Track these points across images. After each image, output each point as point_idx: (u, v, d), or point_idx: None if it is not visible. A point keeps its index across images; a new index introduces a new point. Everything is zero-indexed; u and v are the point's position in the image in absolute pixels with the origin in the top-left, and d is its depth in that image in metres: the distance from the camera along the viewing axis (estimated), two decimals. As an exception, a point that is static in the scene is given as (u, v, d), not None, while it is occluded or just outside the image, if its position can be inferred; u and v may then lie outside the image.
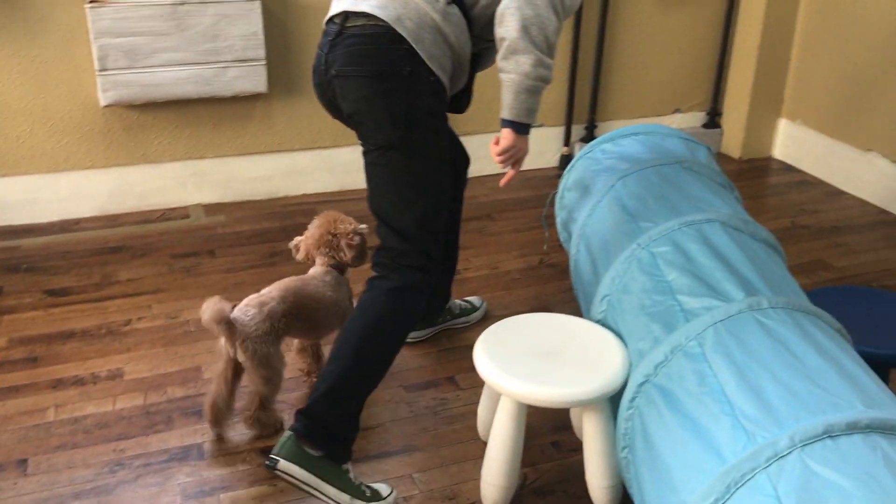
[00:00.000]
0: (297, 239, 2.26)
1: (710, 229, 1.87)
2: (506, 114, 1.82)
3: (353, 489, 1.79)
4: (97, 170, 3.17)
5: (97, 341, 2.45)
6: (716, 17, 3.77)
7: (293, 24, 3.19)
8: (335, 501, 1.78)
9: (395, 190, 1.82)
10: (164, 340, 2.46)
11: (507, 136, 1.86)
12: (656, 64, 3.77)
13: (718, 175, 2.27)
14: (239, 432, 2.08)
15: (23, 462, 1.98)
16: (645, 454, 1.54)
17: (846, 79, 3.49)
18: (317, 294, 2.09)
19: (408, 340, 2.43)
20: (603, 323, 1.91)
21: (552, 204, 3.18)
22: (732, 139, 3.91)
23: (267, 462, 1.74)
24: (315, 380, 2.12)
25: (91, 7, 2.84)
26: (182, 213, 3.26)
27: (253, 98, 3.23)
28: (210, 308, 1.92)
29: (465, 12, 1.82)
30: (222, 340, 2.00)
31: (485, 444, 1.99)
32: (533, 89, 1.77)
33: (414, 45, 1.73)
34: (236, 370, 2.03)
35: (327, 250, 2.17)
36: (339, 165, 3.42)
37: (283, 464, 1.73)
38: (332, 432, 1.78)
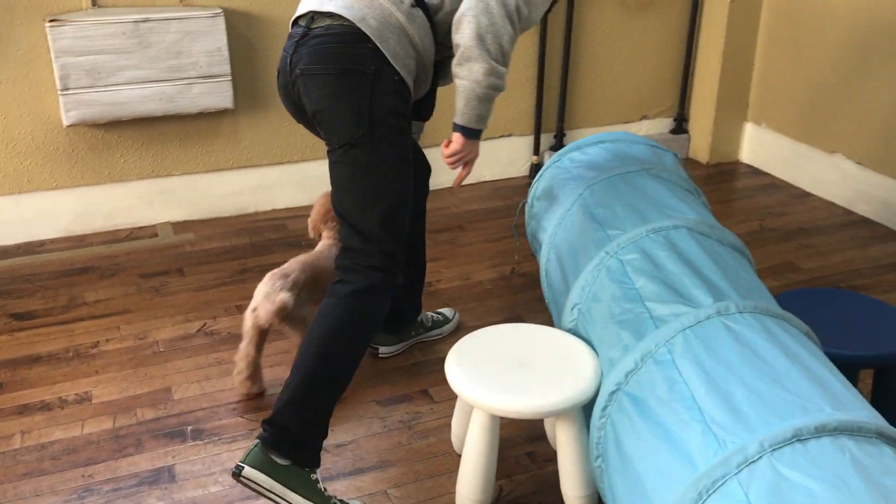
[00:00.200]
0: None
1: (678, 235, 1.88)
2: (457, 118, 1.87)
3: (320, 498, 1.78)
4: (62, 190, 3.13)
5: (64, 365, 2.41)
6: (680, 23, 3.80)
7: (257, 39, 3.18)
8: None
9: (357, 188, 1.82)
10: (133, 362, 2.42)
11: (457, 140, 1.90)
12: (622, 71, 3.80)
13: (685, 181, 2.28)
14: (211, 452, 2.06)
15: (-12, 491, 1.94)
16: (618, 463, 1.54)
17: (809, 82, 3.54)
18: (328, 265, 2.23)
19: (380, 355, 2.43)
20: (574, 332, 1.90)
21: (522, 213, 3.18)
22: (700, 144, 3.94)
23: (233, 469, 1.73)
24: None
25: (51, 26, 2.81)
26: (150, 231, 3.23)
27: (219, 114, 3.21)
28: (263, 308, 2.13)
29: (430, 17, 1.84)
30: (249, 312, 2.19)
31: (460, 457, 1.98)
32: (484, 97, 1.80)
33: (378, 44, 1.75)
34: (262, 337, 2.22)
35: (333, 224, 2.35)
36: (309, 179, 3.40)
37: (248, 471, 1.72)
38: (297, 440, 1.77)
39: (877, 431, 1.30)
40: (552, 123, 3.75)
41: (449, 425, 2.15)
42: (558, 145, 3.75)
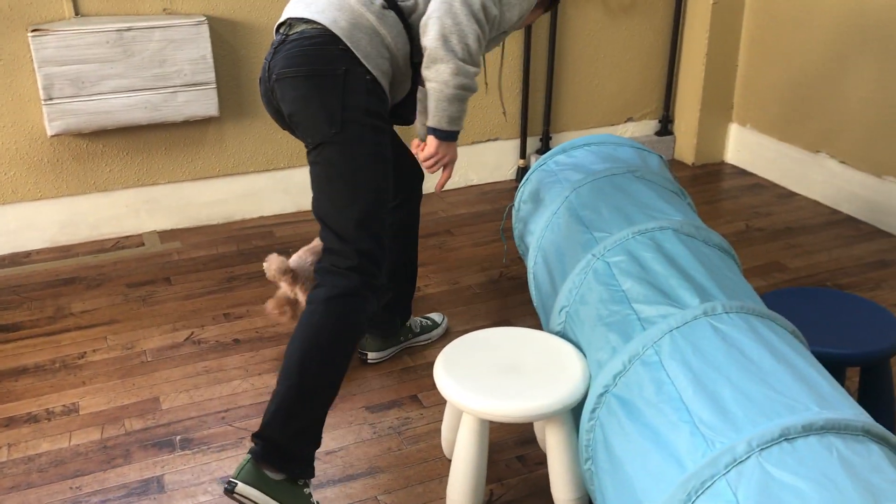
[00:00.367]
0: None
1: (664, 237, 1.88)
2: (430, 121, 1.87)
3: None
4: (47, 200, 3.11)
5: (51, 376, 2.39)
6: (663, 25, 3.82)
7: (242, 46, 3.17)
8: None
9: (332, 188, 1.82)
10: (120, 372, 2.41)
11: (430, 142, 1.90)
12: (607, 74, 3.81)
13: (670, 182, 2.29)
14: (200, 462, 2.05)
15: (-25, 505, 1.92)
16: (607, 465, 1.54)
17: (792, 82, 3.56)
18: None
19: (369, 361, 2.42)
20: (562, 335, 1.91)
21: (509, 217, 3.19)
22: (685, 146, 3.96)
23: (226, 486, 1.71)
24: None
25: (34, 35, 2.79)
26: (136, 241, 3.21)
27: (204, 122, 3.20)
28: (273, 264, 2.33)
29: (404, 19, 1.85)
30: (283, 286, 2.38)
31: (450, 462, 1.97)
32: (453, 97, 1.80)
33: (349, 45, 1.77)
34: (294, 310, 2.41)
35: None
36: (295, 186, 3.40)
37: (241, 487, 1.70)
38: (286, 451, 1.75)
39: (863, 429, 1.31)
40: (538, 127, 3.76)
41: (439, 430, 2.14)
42: (544, 149, 3.76)
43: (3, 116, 2.95)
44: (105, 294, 2.83)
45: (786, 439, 1.27)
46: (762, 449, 1.26)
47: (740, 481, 1.24)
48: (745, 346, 1.51)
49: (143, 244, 3.18)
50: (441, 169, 1.99)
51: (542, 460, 2.03)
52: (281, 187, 3.40)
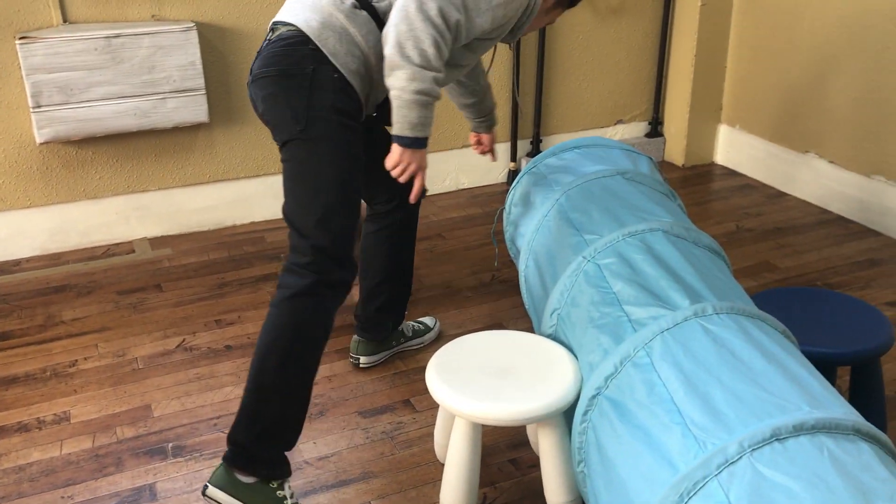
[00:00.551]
0: None
1: (654, 238, 1.89)
2: (393, 128, 1.85)
3: None
4: (37, 208, 3.10)
5: (42, 385, 2.38)
6: (652, 27, 3.83)
7: (231, 52, 3.17)
8: None
9: (297, 186, 1.83)
10: (111, 380, 2.40)
11: (393, 149, 1.86)
12: (597, 76, 3.82)
13: (660, 184, 2.30)
14: (192, 469, 2.04)
15: (-34, 516, 1.91)
16: (600, 467, 1.54)
17: (781, 83, 3.58)
18: None
19: (361, 365, 2.42)
20: (554, 337, 1.91)
21: (500, 220, 3.19)
22: (675, 147, 3.97)
23: (202, 487, 1.77)
24: None
25: (21, 43, 2.79)
26: (127, 248, 3.20)
27: (194, 128, 3.19)
28: None
29: (378, 18, 1.85)
30: None
31: (443, 466, 1.97)
32: (413, 103, 1.78)
33: (318, 44, 1.79)
34: None
35: None
36: (286, 192, 3.39)
37: (210, 489, 1.78)
38: (250, 454, 1.78)
39: (854, 428, 1.31)
40: (528, 130, 3.76)
41: (432, 434, 2.14)
42: (535, 151, 3.76)
43: (-8, 124, 2.94)
44: (96, 302, 2.82)
45: (777, 439, 1.27)
46: (753, 449, 1.27)
47: (732, 482, 1.25)
48: (736, 347, 1.52)
49: (133, 251, 3.18)
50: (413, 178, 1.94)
51: (535, 463, 2.03)
52: (271, 193, 3.39)
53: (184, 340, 2.58)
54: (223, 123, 3.24)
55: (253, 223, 3.39)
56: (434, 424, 2.16)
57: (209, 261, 3.09)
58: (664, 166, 3.96)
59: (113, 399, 2.31)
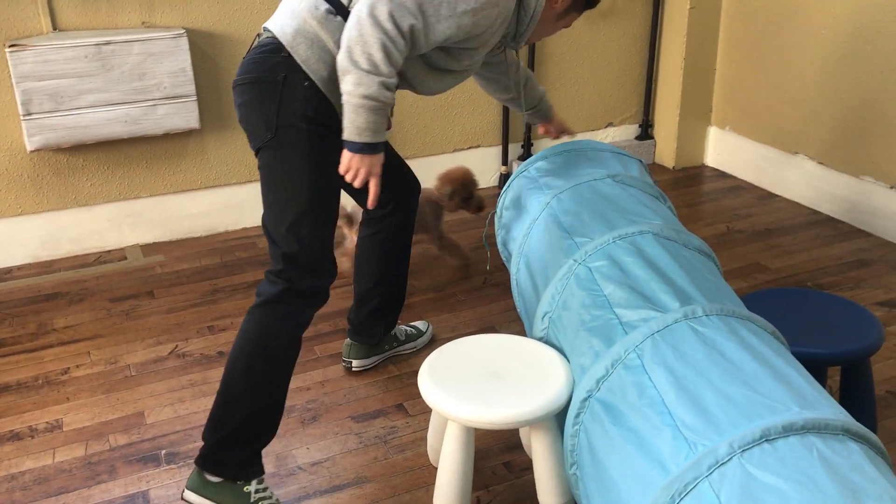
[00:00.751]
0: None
1: (644, 241, 1.89)
2: (343, 133, 1.80)
3: None
4: (28, 216, 3.09)
5: (34, 393, 2.38)
6: (641, 31, 3.85)
7: (222, 58, 3.17)
8: None
9: (269, 193, 1.85)
10: (104, 387, 2.40)
11: (343, 154, 1.82)
12: (587, 80, 3.83)
13: (650, 187, 2.31)
14: (185, 476, 2.04)
15: (-41, 525, 1.91)
16: (592, 470, 1.55)
17: (770, 85, 3.60)
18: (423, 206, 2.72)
19: (353, 369, 2.42)
20: (545, 340, 1.91)
21: (492, 223, 3.19)
22: (665, 149, 3.99)
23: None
24: None
25: (11, 51, 2.78)
26: (119, 255, 3.20)
27: (185, 134, 3.19)
28: None
29: None
30: (345, 231, 2.73)
31: (437, 470, 1.98)
32: (359, 108, 1.75)
33: (290, 51, 1.80)
34: (349, 224, 2.77)
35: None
36: (278, 197, 3.39)
37: (186, 493, 1.87)
38: (214, 457, 1.85)
39: (843, 428, 1.32)
40: (519, 134, 3.77)
41: (425, 438, 2.15)
42: (526, 155, 3.77)
43: (-18, 132, 2.94)
44: (88, 309, 2.81)
45: (767, 440, 1.28)
46: (743, 450, 1.27)
47: (723, 483, 1.25)
48: (726, 349, 1.52)
49: (125, 258, 3.17)
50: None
51: (527, 466, 2.04)
52: (263, 198, 3.39)
53: (176, 347, 2.58)
54: (214, 130, 3.24)
55: (245, 229, 3.39)
56: (427, 428, 2.16)
57: (201, 267, 3.09)
58: (655, 169, 3.97)
59: (106, 406, 2.31)
